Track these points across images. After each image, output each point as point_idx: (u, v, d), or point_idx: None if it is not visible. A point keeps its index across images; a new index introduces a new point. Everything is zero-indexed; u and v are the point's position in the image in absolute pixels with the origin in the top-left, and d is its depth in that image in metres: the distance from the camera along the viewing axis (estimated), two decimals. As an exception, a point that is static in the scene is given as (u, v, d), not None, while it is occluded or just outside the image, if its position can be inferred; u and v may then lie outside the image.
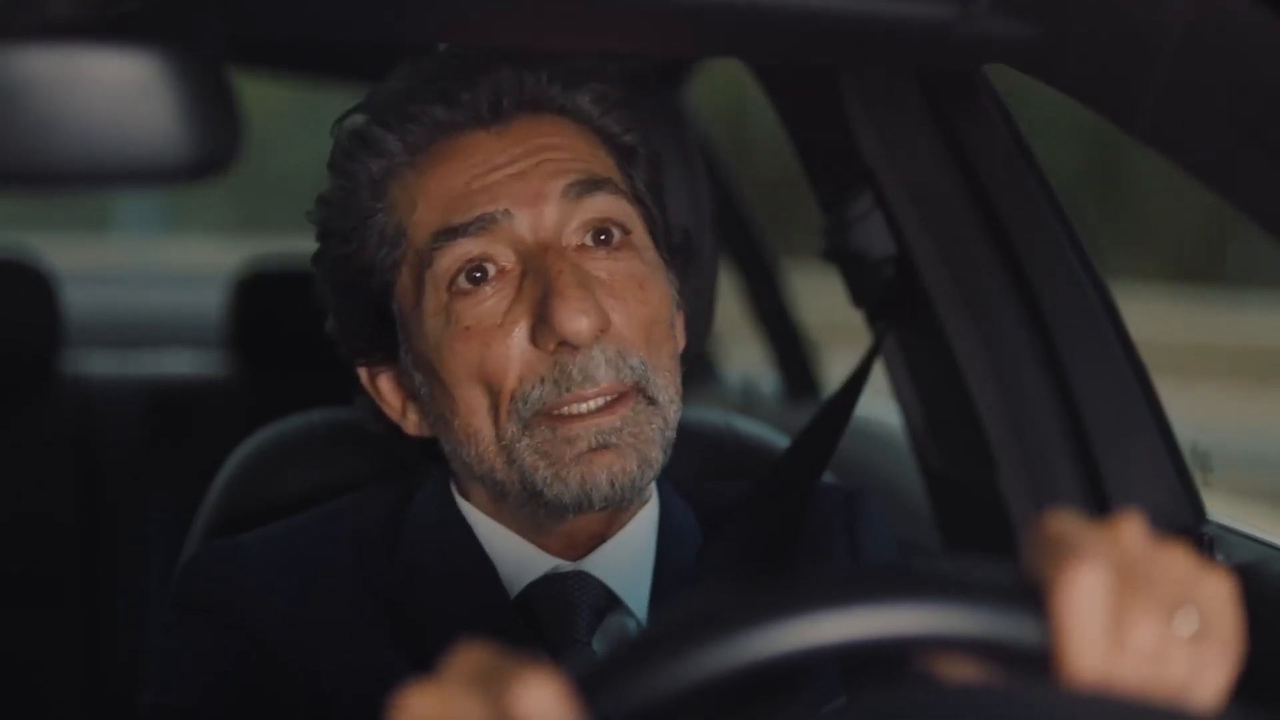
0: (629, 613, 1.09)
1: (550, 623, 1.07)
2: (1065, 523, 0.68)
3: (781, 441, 1.37)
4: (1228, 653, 0.68)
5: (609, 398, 1.03)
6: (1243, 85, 0.99)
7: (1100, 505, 1.39)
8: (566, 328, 1.00)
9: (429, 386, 1.08)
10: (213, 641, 1.07)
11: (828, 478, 1.28)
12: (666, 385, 1.06)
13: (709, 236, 1.37)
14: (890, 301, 1.51)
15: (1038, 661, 0.65)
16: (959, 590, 0.65)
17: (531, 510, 1.07)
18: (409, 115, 1.07)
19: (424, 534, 1.12)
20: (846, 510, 1.19)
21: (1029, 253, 1.42)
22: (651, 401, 1.05)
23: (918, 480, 1.66)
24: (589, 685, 0.63)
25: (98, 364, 2.53)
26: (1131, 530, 0.69)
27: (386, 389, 1.13)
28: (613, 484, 1.03)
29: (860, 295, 1.54)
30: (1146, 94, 1.03)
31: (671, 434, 1.07)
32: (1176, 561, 0.69)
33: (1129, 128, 1.06)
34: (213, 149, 0.68)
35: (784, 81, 1.61)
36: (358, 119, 1.09)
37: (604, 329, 1.02)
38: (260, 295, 2.48)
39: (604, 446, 1.03)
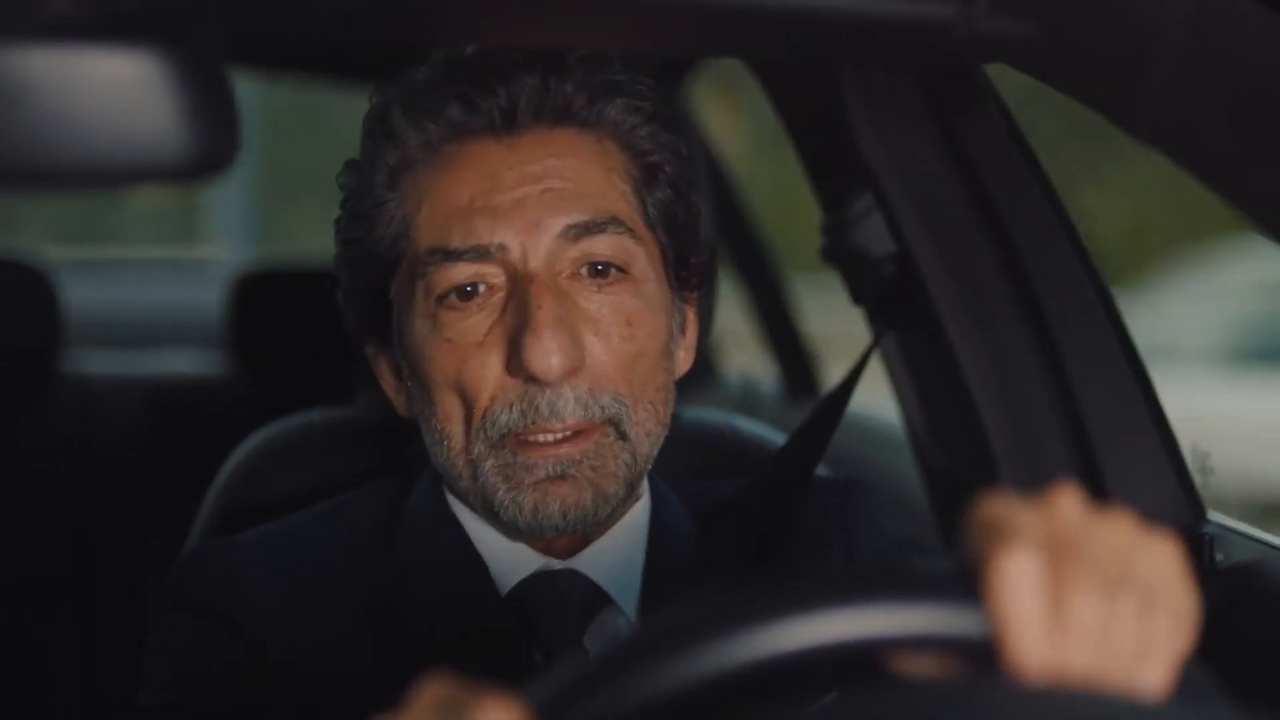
0: (619, 610, 1.09)
1: (541, 621, 1.07)
2: (998, 505, 0.68)
3: (781, 442, 1.37)
4: (1177, 622, 0.67)
5: (575, 430, 1.03)
6: (1243, 85, 0.99)
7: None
8: (535, 365, 1.01)
9: (413, 380, 1.09)
10: (207, 640, 1.07)
11: (824, 472, 1.27)
12: (645, 419, 1.06)
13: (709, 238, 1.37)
14: (890, 301, 1.51)
15: (987, 653, 0.65)
16: (899, 589, 0.65)
17: (493, 523, 1.09)
18: (429, 112, 1.06)
19: (418, 533, 1.12)
20: (841, 504, 1.19)
21: (1029, 252, 1.42)
22: (623, 437, 1.05)
23: (918, 479, 1.66)
24: (549, 710, 0.64)
25: (98, 364, 2.53)
26: (1066, 505, 0.68)
27: (384, 368, 1.14)
28: (565, 515, 1.04)
29: (860, 294, 1.54)
30: (1146, 94, 1.03)
31: (642, 467, 1.07)
32: (1115, 532, 0.68)
33: (1129, 128, 1.06)
34: (212, 149, 0.68)
35: (784, 81, 1.61)
36: (391, 95, 1.09)
37: (577, 367, 1.03)
38: (260, 295, 2.48)
39: (561, 477, 1.03)
